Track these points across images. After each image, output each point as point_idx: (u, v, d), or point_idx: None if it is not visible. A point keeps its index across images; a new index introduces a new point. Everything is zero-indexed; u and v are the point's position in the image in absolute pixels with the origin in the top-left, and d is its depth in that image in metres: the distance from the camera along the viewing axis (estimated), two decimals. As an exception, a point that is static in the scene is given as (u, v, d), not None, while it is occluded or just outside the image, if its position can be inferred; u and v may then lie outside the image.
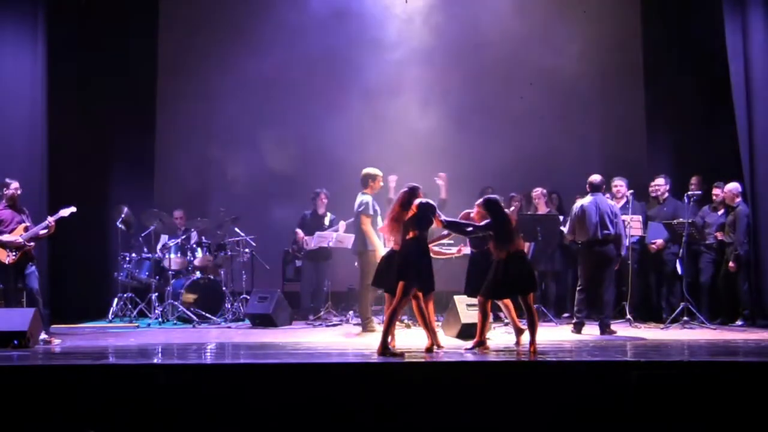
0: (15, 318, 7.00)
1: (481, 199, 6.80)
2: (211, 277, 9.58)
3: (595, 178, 8.20)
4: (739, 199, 8.76)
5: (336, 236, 9.54)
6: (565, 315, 9.59)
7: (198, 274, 9.54)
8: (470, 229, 6.70)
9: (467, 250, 7.56)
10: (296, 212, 10.33)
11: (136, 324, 9.24)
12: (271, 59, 11.08)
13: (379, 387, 5.62)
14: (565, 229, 8.50)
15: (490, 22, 11.24)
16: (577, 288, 8.18)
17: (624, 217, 8.70)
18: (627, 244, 8.70)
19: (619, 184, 9.25)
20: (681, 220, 8.70)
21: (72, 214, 7.96)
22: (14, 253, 7.58)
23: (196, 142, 11.23)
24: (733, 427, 5.40)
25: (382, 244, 7.88)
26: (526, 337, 6.69)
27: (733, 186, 8.78)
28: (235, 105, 11.30)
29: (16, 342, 6.78)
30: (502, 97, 11.18)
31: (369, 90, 11.06)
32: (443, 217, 6.66)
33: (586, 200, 8.11)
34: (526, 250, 9.40)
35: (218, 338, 7.92)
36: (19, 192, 7.78)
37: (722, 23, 9.10)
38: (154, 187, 10.96)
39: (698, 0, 9.96)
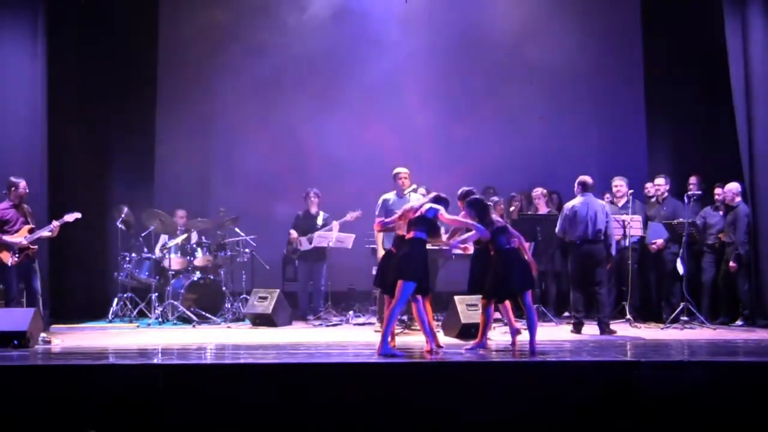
0: (15, 318, 7.00)
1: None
2: (211, 277, 9.58)
3: (586, 178, 8.21)
4: (738, 199, 8.76)
5: (336, 236, 9.53)
6: (565, 315, 9.57)
7: (198, 274, 9.54)
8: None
9: (471, 249, 7.53)
10: (297, 212, 10.32)
11: (136, 324, 9.24)
12: (271, 59, 11.08)
13: (379, 387, 5.61)
14: (557, 230, 8.50)
15: (489, 23, 11.26)
16: (570, 288, 8.20)
17: (624, 217, 8.72)
18: (627, 243, 8.71)
19: (619, 184, 9.25)
20: (681, 220, 8.70)
21: (77, 219, 8.01)
22: (17, 255, 7.60)
23: (196, 142, 11.23)
24: (733, 427, 5.40)
25: (381, 245, 7.90)
26: (523, 338, 6.69)
27: (733, 186, 8.78)
28: (235, 105, 11.30)
29: (16, 342, 6.78)
30: (503, 98, 11.17)
31: (369, 90, 11.07)
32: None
33: (576, 200, 8.14)
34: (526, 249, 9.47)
35: (218, 338, 7.91)
36: (26, 191, 7.81)
37: (722, 23, 9.10)
38: (154, 187, 10.96)
39: (698, 0, 9.96)
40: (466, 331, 7.37)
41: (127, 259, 9.70)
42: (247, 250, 9.87)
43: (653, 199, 9.39)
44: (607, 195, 9.38)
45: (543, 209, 9.62)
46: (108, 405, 5.42)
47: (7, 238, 7.58)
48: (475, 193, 7.10)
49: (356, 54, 11.21)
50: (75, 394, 5.49)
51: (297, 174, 11.02)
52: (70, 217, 7.97)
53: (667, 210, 9.16)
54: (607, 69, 11.16)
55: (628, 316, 8.63)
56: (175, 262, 9.61)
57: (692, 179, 9.24)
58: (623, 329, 8.26)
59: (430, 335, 6.55)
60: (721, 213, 8.95)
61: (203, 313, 9.24)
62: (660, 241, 9.01)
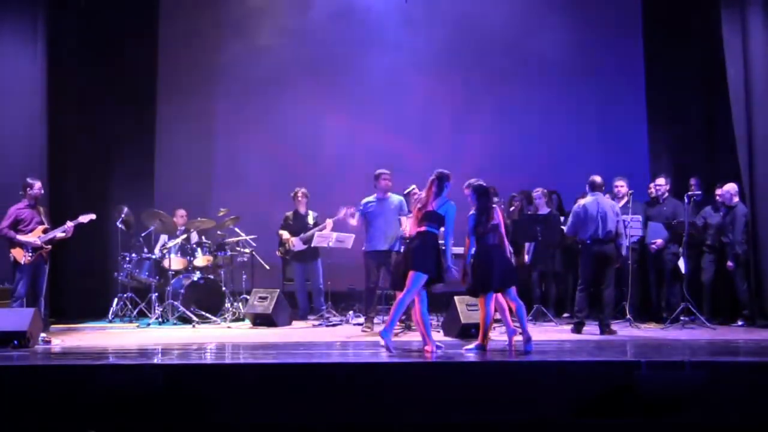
0: (15, 318, 7.02)
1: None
2: (211, 277, 9.58)
3: (596, 178, 8.23)
4: (737, 199, 8.76)
5: (336, 236, 9.52)
6: (565, 315, 9.58)
7: (198, 274, 9.54)
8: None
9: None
10: (285, 213, 10.29)
11: (136, 324, 9.24)
12: (271, 59, 11.10)
13: (379, 387, 5.62)
14: (566, 228, 8.51)
15: (489, 24, 11.27)
16: (578, 287, 8.19)
17: (624, 217, 8.71)
18: (627, 243, 8.71)
19: (620, 184, 9.25)
20: (681, 220, 8.70)
21: (91, 220, 8.04)
22: (31, 254, 7.64)
23: (196, 142, 11.24)
24: (733, 428, 5.40)
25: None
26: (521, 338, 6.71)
27: (730, 186, 8.79)
28: (235, 105, 11.31)
29: (16, 342, 6.78)
30: (503, 98, 11.19)
31: (369, 90, 11.09)
32: None
33: (587, 200, 8.14)
34: (526, 250, 9.48)
35: (218, 338, 7.91)
36: (41, 192, 7.87)
37: (720, 24, 9.10)
38: (154, 187, 10.96)
39: (698, 1, 9.96)
40: (466, 331, 7.38)
41: (127, 259, 9.70)
42: (247, 250, 9.86)
43: (653, 199, 9.39)
44: (608, 195, 9.37)
45: (543, 209, 9.62)
46: (108, 405, 5.42)
47: (21, 237, 7.67)
48: (485, 185, 7.06)
49: (356, 54, 11.22)
50: (75, 394, 5.49)
51: (297, 174, 11.01)
52: (84, 218, 8.05)
53: (668, 210, 9.16)
54: (608, 69, 11.17)
55: (628, 316, 8.62)
56: (175, 262, 9.61)
57: (692, 180, 9.24)
58: (623, 329, 8.25)
59: (429, 335, 6.57)
60: (721, 213, 8.95)
61: (203, 313, 9.24)
62: (660, 241, 9.01)
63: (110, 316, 9.58)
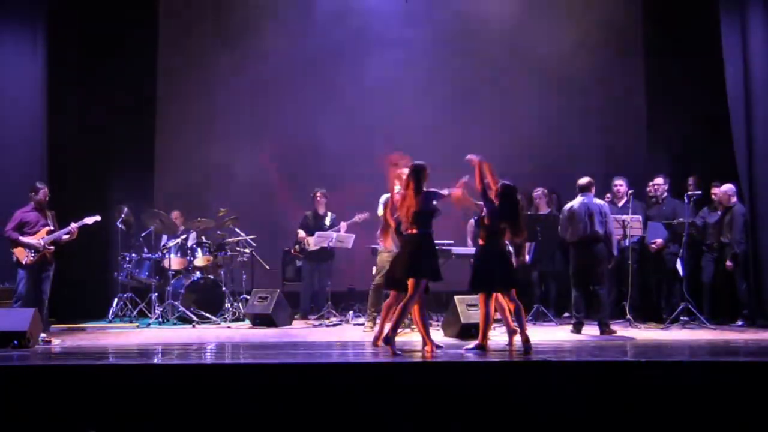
0: (15, 318, 7.02)
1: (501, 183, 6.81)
2: (211, 277, 9.58)
3: (583, 180, 8.27)
4: (734, 199, 8.77)
5: (336, 236, 9.53)
6: (566, 315, 9.58)
7: (198, 274, 9.54)
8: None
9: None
10: (297, 212, 10.33)
11: (136, 324, 9.24)
12: (271, 58, 11.09)
13: (379, 387, 5.62)
14: (559, 230, 8.51)
15: (489, 24, 11.26)
16: (572, 288, 8.20)
17: (624, 217, 8.71)
18: (627, 243, 8.71)
19: (619, 184, 9.26)
20: (681, 220, 8.70)
21: (96, 222, 8.07)
22: (33, 255, 7.65)
23: (196, 142, 11.23)
24: (733, 428, 5.40)
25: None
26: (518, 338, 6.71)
27: (727, 187, 8.80)
28: (235, 105, 11.31)
29: (16, 342, 6.78)
30: (503, 97, 11.18)
31: (368, 90, 11.07)
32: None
33: (575, 201, 8.17)
34: (526, 250, 9.48)
35: (218, 338, 7.91)
36: (46, 198, 7.92)
37: (719, 24, 9.10)
38: (154, 187, 10.96)
39: (698, 0, 9.95)
40: (466, 331, 7.37)
41: (127, 259, 9.70)
42: (247, 250, 9.87)
43: (652, 199, 9.39)
44: (607, 195, 9.39)
45: (543, 209, 9.62)
46: (108, 405, 5.42)
47: (23, 238, 7.70)
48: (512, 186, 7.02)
49: (356, 54, 11.21)
50: (75, 394, 5.49)
51: (297, 174, 11.02)
52: (89, 220, 8.07)
53: (667, 210, 9.16)
54: (607, 69, 11.15)
55: (628, 316, 8.62)
56: (175, 262, 9.61)
57: (690, 180, 9.24)
58: (623, 329, 8.26)
59: (429, 336, 6.57)
60: (719, 213, 8.95)
61: (203, 313, 9.23)
62: (659, 241, 9.01)
63: (110, 316, 9.58)
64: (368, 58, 11.15)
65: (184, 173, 11.07)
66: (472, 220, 9.44)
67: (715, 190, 8.98)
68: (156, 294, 9.56)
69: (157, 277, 9.74)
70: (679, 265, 8.84)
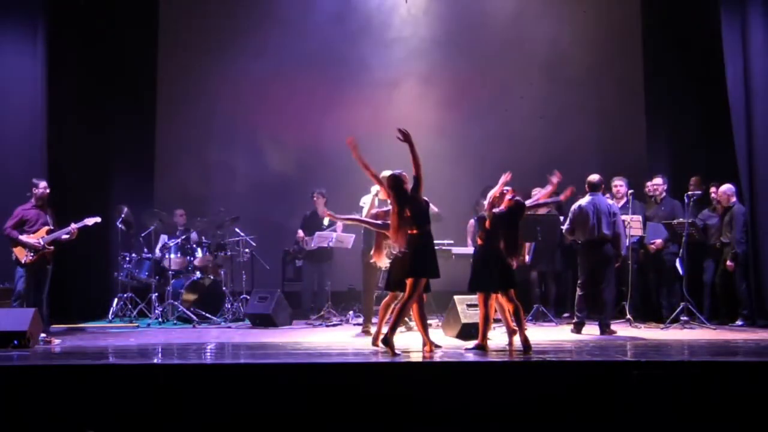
0: (15, 318, 7.01)
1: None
2: (211, 277, 9.58)
3: (594, 177, 8.24)
4: (734, 199, 8.77)
5: (336, 236, 9.53)
6: (565, 315, 9.58)
7: (198, 274, 9.54)
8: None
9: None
10: (296, 212, 10.33)
11: (136, 324, 9.24)
12: (271, 58, 11.09)
13: (379, 387, 5.62)
14: (564, 228, 8.51)
15: (489, 24, 11.26)
16: (577, 287, 8.19)
17: (624, 217, 8.71)
18: (627, 243, 8.70)
19: (619, 184, 9.26)
20: (681, 220, 8.70)
21: (96, 224, 8.07)
22: (32, 254, 7.66)
23: (196, 142, 11.24)
24: (733, 428, 5.40)
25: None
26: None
27: (727, 187, 8.80)
28: (235, 105, 11.31)
29: (16, 342, 6.78)
30: (502, 97, 11.18)
31: (369, 89, 11.08)
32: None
33: (584, 200, 8.15)
34: (526, 250, 9.47)
35: (218, 338, 7.91)
36: (47, 192, 7.87)
37: (719, 24, 9.09)
38: (154, 187, 10.96)
39: (698, 0, 9.95)
40: (466, 331, 7.37)
41: (127, 259, 9.70)
42: (247, 250, 9.86)
43: (651, 199, 9.39)
44: (607, 195, 9.37)
45: (543, 209, 9.61)
46: (108, 405, 5.42)
47: (23, 237, 7.68)
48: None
49: (356, 54, 11.22)
50: (75, 394, 5.49)
51: (297, 174, 11.02)
52: (89, 221, 8.07)
53: (666, 210, 9.16)
54: (607, 69, 11.16)
55: (628, 316, 8.62)
56: (175, 262, 9.61)
57: (692, 180, 9.24)
58: (623, 329, 8.26)
59: (428, 336, 6.56)
60: (718, 213, 8.95)
61: (203, 313, 9.24)
62: (659, 241, 9.01)
63: (110, 316, 9.58)
64: (368, 57, 11.15)
65: (184, 173, 11.07)
66: (472, 221, 9.46)
67: (714, 190, 8.98)
68: (156, 294, 9.56)
69: (157, 277, 9.74)
70: (678, 265, 8.84)
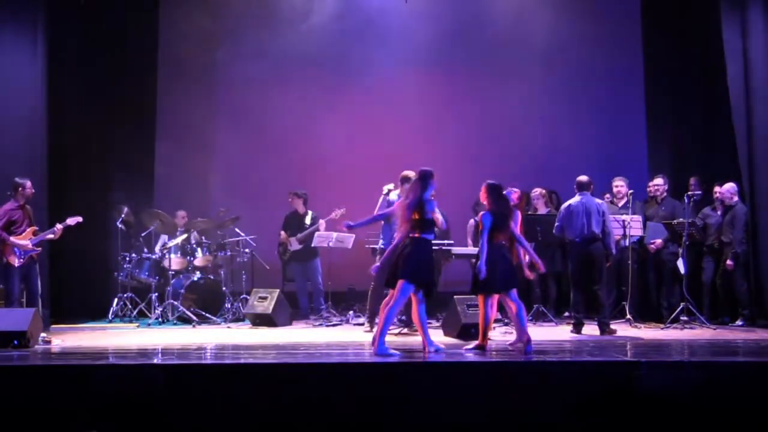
0: (15, 318, 7.01)
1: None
2: (211, 277, 9.58)
3: (583, 178, 8.25)
4: (736, 198, 8.77)
5: (336, 236, 9.51)
6: (566, 315, 9.58)
7: (198, 274, 9.54)
8: None
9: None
10: (285, 213, 10.27)
11: (136, 324, 9.24)
12: (271, 59, 11.10)
13: (378, 387, 5.62)
14: (554, 227, 8.51)
15: (489, 24, 11.26)
16: (571, 287, 8.20)
17: (624, 217, 8.72)
18: (627, 244, 8.70)
19: (619, 184, 9.26)
20: (681, 220, 8.70)
21: (78, 223, 8.05)
22: (23, 257, 7.64)
23: (196, 142, 11.23)
24: (733, 428, 5.40)
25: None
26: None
27: (730, 186, 8.81)
28: (236, 104, 11.31)
29: (16, 342, 6.79)
30: (502, 97, 11.18)
31: (368, 90, 11.08)
32: None
33: (573, 200, 8.16)
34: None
35: (218, 338, 7.91)
36: (32, 191, 7.86)
37: (720, 23, 9.10)
38: (154, 187, 10.96)
39: (698, 0, 9.96)
40: (466, 331, 7.36)
41: (127, 259, 9.70)
42: (247, 250, 9.86)
43: (652, 200, 9.39)
44: (607, 195, 9.39)
45: (542, 209, 9.62)
46: (108, 405, 5.42)
47: (14, 239, 7.64)
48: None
49: (357, 53, 11.22)
50: (75, 394, 5.49)
51: (297, 174, 11.01)
52: (72, 221, 8.02)
53: (666, 210, 9.16)
54: (607, 69, 11.16)
55: (628, 316, 8.62)
56: (175, 262, 9.61)
57: (692, 180, 9.24)
58: (623, 329, 8.25)
59: (428, 336, 6.56)
60: (719, 213, 8.95)
61: (203, 313, 9.24)
62: (659, 241, 9.02)
63: (110, 316, 9.58)
64: (368, 57, 11.15)
65: (184, 173, 11.07)
66: (472, 221, 9.46)
67: (717, 189, 8.97)
68: (156, 294, 9.56)
69: (157, 277, 9.74)
70: (679, 265, 8.84)
